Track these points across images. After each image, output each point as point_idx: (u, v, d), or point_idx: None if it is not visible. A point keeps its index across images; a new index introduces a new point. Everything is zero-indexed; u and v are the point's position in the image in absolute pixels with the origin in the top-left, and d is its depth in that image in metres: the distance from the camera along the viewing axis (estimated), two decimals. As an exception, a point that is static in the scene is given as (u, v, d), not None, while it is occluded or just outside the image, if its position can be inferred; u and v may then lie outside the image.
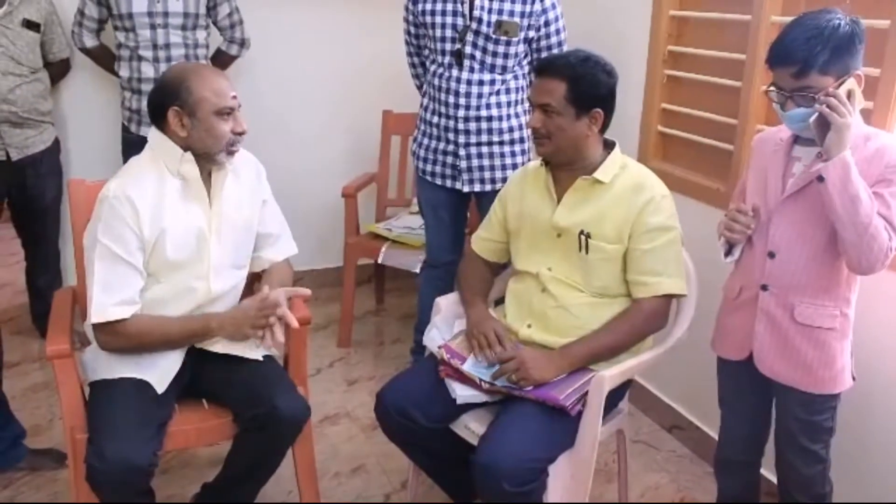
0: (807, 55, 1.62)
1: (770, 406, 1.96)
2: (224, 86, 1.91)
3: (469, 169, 2.69)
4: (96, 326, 1.89)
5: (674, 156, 2.81)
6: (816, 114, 1.63)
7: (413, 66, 2.92)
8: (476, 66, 2.58)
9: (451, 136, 2.67)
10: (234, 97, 1.93)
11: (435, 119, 2.70)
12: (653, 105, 2.78)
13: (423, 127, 2.79)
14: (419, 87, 2.95)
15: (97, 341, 1.93)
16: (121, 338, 1.89)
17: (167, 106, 1.88)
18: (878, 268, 1.67)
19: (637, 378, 2.71)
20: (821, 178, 1.63)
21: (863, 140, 1.69)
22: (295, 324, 1.90)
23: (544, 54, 2.61)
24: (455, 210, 2.84)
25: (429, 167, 2.77)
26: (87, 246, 1.93)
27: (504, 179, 2.55)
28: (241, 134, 1.95)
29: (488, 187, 2.70)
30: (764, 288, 1.82)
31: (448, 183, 2.75)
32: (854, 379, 1.84)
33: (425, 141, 2.77)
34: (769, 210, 1.81)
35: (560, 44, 2.64)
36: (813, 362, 1.80)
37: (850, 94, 1.64)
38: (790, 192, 1.77)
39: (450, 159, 2.71)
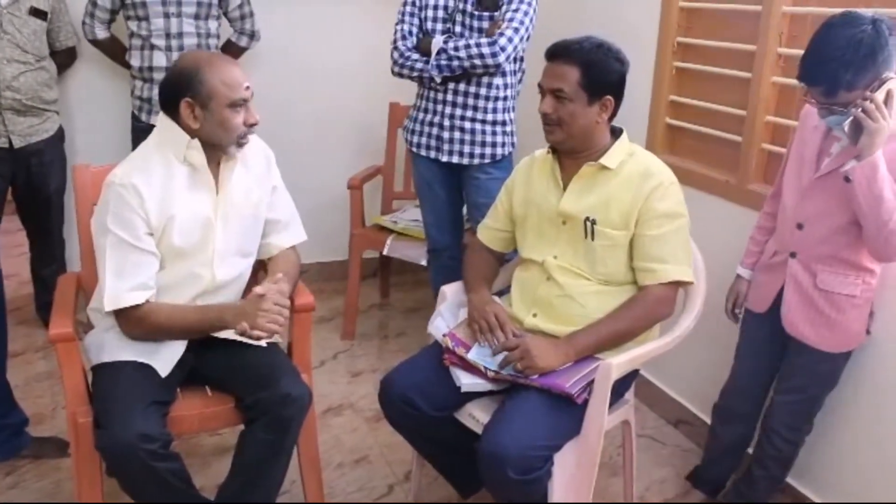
0: (830, 78, 1.68)
1: (778, 366, 2.10)
2: (237, 76, 1.88)
3: (450, 140, 2.74)
4: (116, 315, 1.88)
5: (682, 148, 2.79)
6: (851, 118, 1.70)
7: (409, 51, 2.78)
8: None
9: (438, 107, 2.74)
10: (247, 88, 1.89)
11: (426, 93, 2.79)
12: (661, 97, 2.76)
13: (416, 101, 2.86)
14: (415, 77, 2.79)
15: (120, 329, 1.92)
16: (142, 324, 1.88)
17: (179, 97, 1.86)
18: (895, 258, 1.81)
19: (643, 373, 2.69)
20: (847, 179, 1.74)
21: (890, 136, 1.72)
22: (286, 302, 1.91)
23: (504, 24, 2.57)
24: (449, 187, 2.87)
25: (415, 139, 2.83)
26: (96, 231, 1.92)
27: (482, 156, 2.70)
28: (253, 125, 1.93)
29: (465, 161, 2.74)
30: (793, 255, 1.97)
31: (432, 154, 2.80)
32: (868, 332, 1.99)
33: (414, 113, 2.85)
34: (802, 185, 1.93)
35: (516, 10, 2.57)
36: (832, 325, 1.94)
37: (888, 96, 1.68)
38: (823, 173, 1.87)
39: (435, 130, 2.76)
